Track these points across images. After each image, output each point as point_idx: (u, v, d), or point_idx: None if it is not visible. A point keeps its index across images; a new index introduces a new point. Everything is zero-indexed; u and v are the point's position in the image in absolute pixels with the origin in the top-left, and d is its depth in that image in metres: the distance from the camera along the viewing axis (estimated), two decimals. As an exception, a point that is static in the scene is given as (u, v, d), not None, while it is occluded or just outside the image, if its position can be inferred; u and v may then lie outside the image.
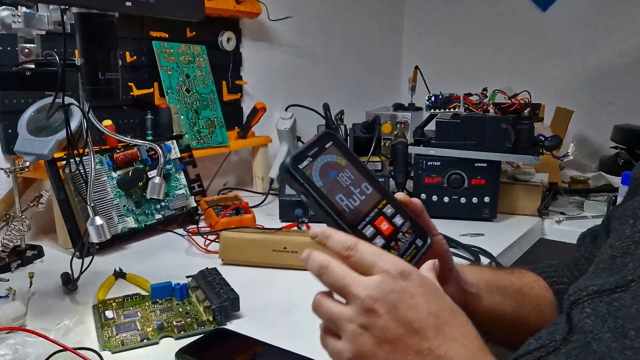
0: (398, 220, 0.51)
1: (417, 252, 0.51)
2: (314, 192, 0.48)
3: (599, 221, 1.23)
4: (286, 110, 1.49)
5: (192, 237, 1.02)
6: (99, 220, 0.64)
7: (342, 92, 1.85)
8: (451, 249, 0.95)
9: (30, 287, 0.78)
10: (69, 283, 0.79)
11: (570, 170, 1.58)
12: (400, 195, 0.54)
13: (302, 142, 1.50)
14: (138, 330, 0.68)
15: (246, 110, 1.47)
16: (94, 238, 0.65)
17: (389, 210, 0.51)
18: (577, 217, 1.23)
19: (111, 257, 0.96)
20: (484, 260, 0.93)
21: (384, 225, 0.50)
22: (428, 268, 0.48)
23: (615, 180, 1.40)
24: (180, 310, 0.74)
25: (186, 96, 1.25)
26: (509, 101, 1.15)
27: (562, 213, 1.25)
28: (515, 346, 0.55)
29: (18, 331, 0.56)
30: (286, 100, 1.61)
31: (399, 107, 1.67)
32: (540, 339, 0.52)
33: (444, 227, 1.06)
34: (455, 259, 0.89)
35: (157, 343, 0.66)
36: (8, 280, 0.85)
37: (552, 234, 1.21)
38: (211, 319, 0.70)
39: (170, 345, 0.65)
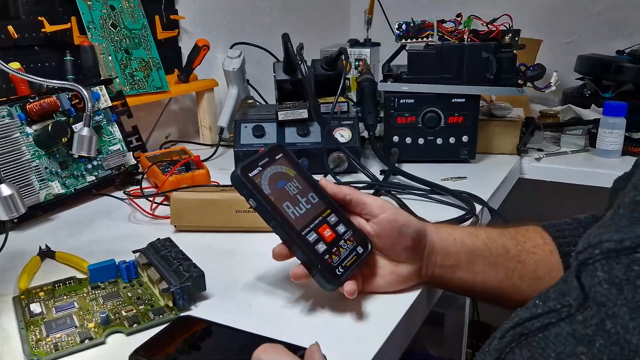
0: (341, 228, 0.56)
1: (358, 259, 0.55)
2: (262, 199, 0.52)
3: (579, 157, 1.18)
4: (231, 48, 1.31)
5: (135, 200, 0.85)
6: (6, 190, 0.47)
7: (291, 28, 1.67)
8: (441, 198, 0.86)
9: None
10: (-21, 271, 0.62)
11: (534, 104, 1.50)
12: (323, 183, 0.58)
13: (252, 85, 1.33)
14: (76, 327, 0.53)
15: (185, 51, 1.28)
16: (3, 214, 0.48)
17: (332, 219, 0.56)
18: (557, 153, 1.15)
19: (33, 232, 0.78)
20: (477, 207, 0.83)
21: (327, 233, 0.55)
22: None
23: (584, 113, 1.34)
24: (130, 295, 0.58)
25: (112, 32, 1.04)
26: (487, 27, 1.03)
27: (539, 150, 1.16)
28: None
29: None
30: (229, 37, 1.43)
31: (355, 43, 1.52)
32: (549, 301, 0.43)
33: (421, 171, 0.96)
34: (448, 211, 0.80)
35: (103, 343, 0.51)
36: None
37: (531, 173, 1.13)
38: (171, 304, 0.56)
39: (122, 344, 0.51)
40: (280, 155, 0.57)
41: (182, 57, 1.27)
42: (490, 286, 0.59)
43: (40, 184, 0.81)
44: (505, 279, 0.58)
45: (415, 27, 1.03)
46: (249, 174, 0.53)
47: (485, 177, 0.99)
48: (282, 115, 1.00)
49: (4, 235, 0.63)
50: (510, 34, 1.02)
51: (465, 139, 1.05)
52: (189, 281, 0.56)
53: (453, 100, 1.03)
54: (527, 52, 1.51)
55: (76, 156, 0.66)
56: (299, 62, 0.94)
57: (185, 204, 0.75)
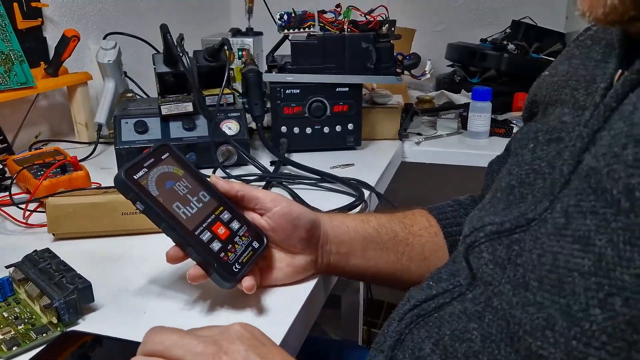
0: (235, 225, 0.56)
1: (254, 254, 0.55)
2: (150, 202, 0.51)
3: (453, 139, 1.27)
4: (104, 38, 1.22)
5: (4, 209, 0.77)
6: None
7: (169, 16, 1.60)
8: (330, 186, 0.88)
9: None
10: None
11: (412, 90, 1.59)
12: (214, 180, 0.57)
13: (130, 78, 1.26)
14: (-57, 358, 0.47)
15: (51, 42, 1.17)
16: None
17: (225, 215, 0.56)
18: (434, 136, 1.23)
19: None
20: (366, 193, 0.86)
21: (221, 230, 0.54)
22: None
23: (456, 97, 1.44)
24: (6, 315, 0.53)
25: (-37, 22, 0.93)
26: (365, 18, 1.07)
27: (418, 134, 1.24)
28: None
29: None
30: (101, 27, 1.34)
31: (237, 32, 1.49)
32: (441, 282, 0.47)
33: (310, 160, 0.98)
34: (338, 198, 0.82)
35: (-22, 371, 0.46)
36: None
37: (412, 156, 1.19)
38: (55, 320, 0.52)
39: (0, 370, 0.46)
40: (167, 154, 0.55)
41: (49, 49, 1.17)
42: (382, 270, 0.62)
43: None
44: (396, 262, 0.62)
45: (297, 17, 1.04)
46: (134, 176, 0.51)
47: (371, 163, 1.03)
48: (165, 110, 0.96)
49: None
50: (387, 25, 1.06)
51: (350, 126, 1.08)
52: (74, 294, 0.52)
53: (337, 89, 1.06)
54: (402, 40, 1.59)
55: None
56: (180, 55, 0.91)
57: (63, 210, 0.69)
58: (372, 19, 1.06)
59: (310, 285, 0.60)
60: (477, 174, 0.75)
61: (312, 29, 1.05)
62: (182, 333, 0.41)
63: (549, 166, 0.42)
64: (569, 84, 0.44)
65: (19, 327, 0.51)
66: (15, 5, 1.07)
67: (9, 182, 0.84)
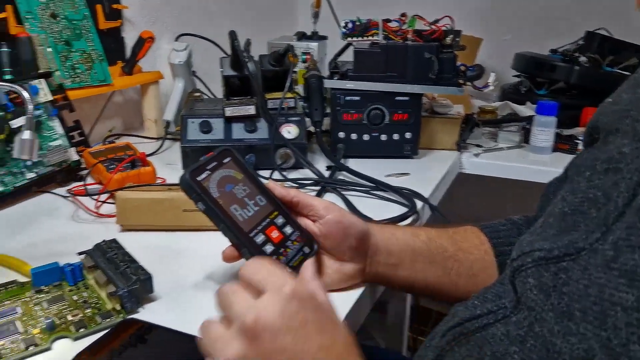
0: (288, 229, 0.58)
1: (304, 259, 0.57)
2: (210, 203, 0.54)
3: (514, 153, 1.25)
4: (177, 40, 1.29)
5: (79, 198, 0.84)
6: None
7: (237, 19, 1.66)
8: (384, 194, 0.89)
9: None
10: None
11: (475, 99, 1.57)
12: (271, 185, 0.60)
13: (198, 78, 1.32)
14: (20, 333, 0.52)
15: (129, 42, 1.25)
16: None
17: (279, 220, 0.58)
18: (494, 149, 1.21)
19: (-29, 232, 0.76)
20: (418, 204, 0.86)
21: (274, 234, 0.57)
22: (311, 276, 0.46)
23: (520, 109, 1.41)
24: (75, 299, 0.58)
25: (52, 23, 1.01)
26: (430, 28, 1.07)
27: (478, 145, 1.22)
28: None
29: None
30: (175, 29, 1.40)
31: (302, 36, 1.52)
32: (487, 303, 0.47)
33: (366, 167, 1.00)
34: (391, 208, 0.83)
35: (49, 349, 0.51)
36: None
37: (470, 168, 1.18)
38: (118, 307, 0.56)
39: (67, 350, 0.51)
40: (229, 158, 0.58)
41: (126, 49, 1.25)
42: (429, 283, 0.63)
43: (-24, 183, 0.78)
44: (443, 277, 0.62)
45: (362, 25, 1.06)
46: (197, 178, 0.54)
47: (426, 173, 1.03)
48: (229, 111, 1.00)
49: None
50: (452, 35, 1.06)
51: (408, 135, 1.09)
52: (137, 284, 0.57)
53: (397, 98, 1.06)
54: (468, 49, 1.57)
55: (17, 157, 0.64)
56: (247, 60, 0.94)
57: (131, 203, 0.74)
58: (436, 29, 1.06)
59: (357, 292, 0.61)
60: (537, 190, 0.73)
61: (375, 38, 1.07)
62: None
63: (604, 197, 0.41)
64: (631, 115, 0.43)
65: (87, 311, 0.56)
66: (99, 7, 1.15)
67: (84, 173, 0.91)
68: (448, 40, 1.06)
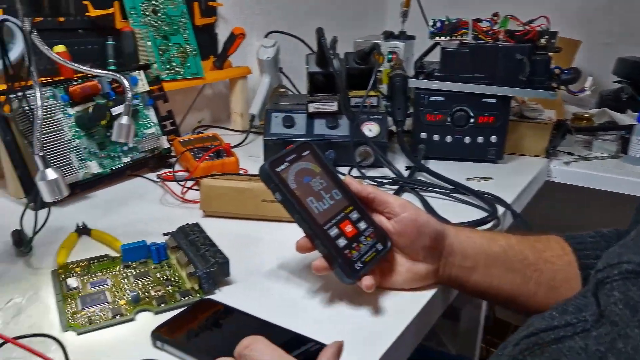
0: (362, 225, 0.58)
1: (377, 255, 0.57)
2: (287, 193, 0.55)
3: (609, 163, 1.17)
4: (266, 37, 1.33)
5: (167, 184, 0.89)
6: (51, 174, 0.50)
7: (327, 17, 1.68)
8: (463, 198, 0.87)
9: (-29, 251, 0.65)
10: (21, 244, 0.66)
11: (569, 105, 1.48)
12: (348, 180, 0.60)
13: (284, 74, 1.35)
14: (109, 303, 0.56)
15: (221, 37, 1.30)
16: (47, 196, 0.51)
17: (354, 215, 0.58)
18: (587, 158, 1.14)
19: (72, 208, 0.83)
20: (499, 209, 0.83)
21: (348, 228, 0.57)
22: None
23: (619, 117, 1.31)
24: (159, 276, 0.62)
25: (153, 18, 1.08)
26: (523, 28, 1.02)
27: (569, 153, 1.16)
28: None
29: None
30: (265, 26, 1.44)
31: (389, 35, 1.52)
32: (566, 315, 0.44)
33: (446, 169, 0.97)
34: (469, 212, 0.81)
35: (133, 319, 0.55)
36: (-54, 238, 0.71)
37: (559, 176, 1.12)
38: (196, 287, 0.59)
39: (149, 322, 0.54)
40: (308, 152, 0.59)
41: (219, 44, 1.30)
42: (504, 291, 0.60)
43: (79, 163, 0.85)
44: (521, 285, 0.60)
45: (450, 25, 1.03)
46: (276, 169, 0.56)
47: (511, 179, 0.99)
48: (312, 107, 1.01)
49: (44, 211, 0.67)
50: (547, 36, 1.01)
51: (493, 139, 1.05)
52: (215, 267, 0.59)
53: (484, 100, 1.03)
54: (564, 52, 1.49)
55: (114, 140, 0.69)
56: (332, 57, 0.95)
57: (215, 191, 0.78)
58: (530, 30, 1.01)
59: (428, 294, 0.60)
60: (630, 203, 0.68)
61: (464, 37, 1.04)
62: (283, 355, 0.43)
63: None
64: None
65: (168, 288, 0.59)
66: (196, 4, 1.21)
67: (173, 160, 0.96)
68: (542, 41, 1.01)
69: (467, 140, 1.06)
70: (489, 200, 0.84)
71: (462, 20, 1.03)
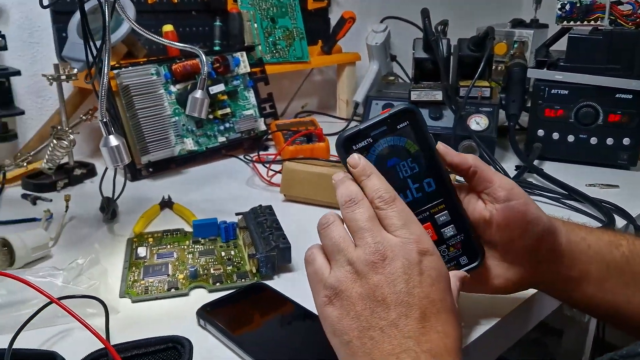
0: (449, 231, 0.46)
1: (457, 269, 0.47)
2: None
3: None
4: (382, 22, 1.28)
5: (256, 165, 0.88)
6: (114, 141, 0.51)
7: (450, 2, 1.57)
8: (577, 205, 0.75)
9: (66, 212, 0.70)
10: (106, 210, 0.69)
11: None
12: (443, 149, 0.46)
13: (398, 62, 1.29)
14: (168, 275, 0.57)
15: (334, 22, 1.28)
16: (109, 163, 0.52)
17: (442, 217, 0.46)
18: None
19: (163, 182, 0.86)
20: (620, 222, 0.71)
21: (428, 232, 0.44)
22: (455, 276, 0.44)
23: None
24: (223, 254, 0.61)
25: (262, 0, 1.08)
26: (676, 12, 0.86)
27: None
28: None
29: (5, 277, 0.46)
30: (382, 11, 1.39)
31: (518, 23, 1.38)
32: None
33: (566, 173, 0.85)
34: (581, 221, 0.69)
35: (187, 294, 0.54)
36: (51, 200, 0.77)
37: None
38: (254, 270, 0.57)
39: (201, 298, 0.53)
40: (405, 123, 0.45)
41: (331, 29, 1.28)
42: (622, 309, 0.49)
43: (176, 139, 0.88)
44: None
45: (582, 7, 0.90)
46: (353, 146, 0.44)
47: (643, 189, 0.84)
48: (414, 95, 0.95)
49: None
50: None
51: (626, 141, 0.90)
52: (274, 251, 0.57)
53: (617, 95, 0.89)
54: None
55: (187, 113, 0.70)
56: (435, 40, 0.88)
57: (296, 174, 0.75)
58: (685, 13, 0.85)
59: (515, 302, 0.53)
60: None
61: (599, 22, 0.90)
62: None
63: None
64: None
65: (228, 268, 0.58)
66: (309, -13, 1.20)
67: (269, 143, 0.96)
68: (700, 27, 0.84)
69: (593, 141, 0.92)
70: (607, 210, 0.72)
71: (597, 3, 0.90)
